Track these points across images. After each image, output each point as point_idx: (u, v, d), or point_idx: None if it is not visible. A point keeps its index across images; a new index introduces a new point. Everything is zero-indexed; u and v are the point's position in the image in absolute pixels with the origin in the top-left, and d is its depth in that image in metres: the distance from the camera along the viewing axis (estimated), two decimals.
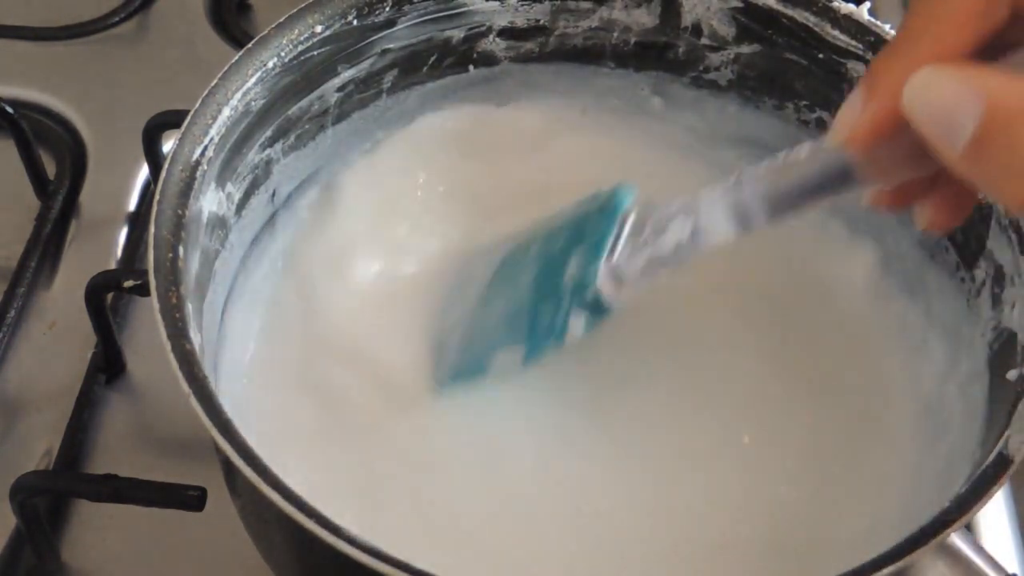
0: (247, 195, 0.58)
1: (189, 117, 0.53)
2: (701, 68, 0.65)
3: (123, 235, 0.76)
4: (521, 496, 0.56)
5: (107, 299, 0.67)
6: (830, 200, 0.45)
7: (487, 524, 0.55)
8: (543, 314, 0.55)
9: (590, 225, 0.55)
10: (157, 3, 0.91)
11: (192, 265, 0.51)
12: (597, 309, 0.53)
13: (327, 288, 0.62)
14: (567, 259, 0.55)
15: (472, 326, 0.59)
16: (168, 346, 0.46)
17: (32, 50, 0.87)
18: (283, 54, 0.57)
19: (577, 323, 0.53)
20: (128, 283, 0.64)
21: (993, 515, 0.67)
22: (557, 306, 0.54)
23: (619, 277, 0.53)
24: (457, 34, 0.63)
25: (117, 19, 0.89)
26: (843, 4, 0.59)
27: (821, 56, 0.61)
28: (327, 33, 0.58)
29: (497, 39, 0.64)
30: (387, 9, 0.60)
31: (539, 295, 0.56)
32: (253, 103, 0.56)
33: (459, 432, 0.58)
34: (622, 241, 0.53)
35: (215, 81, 0.54)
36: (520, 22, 0.64)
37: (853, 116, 0.40)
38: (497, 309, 0.58)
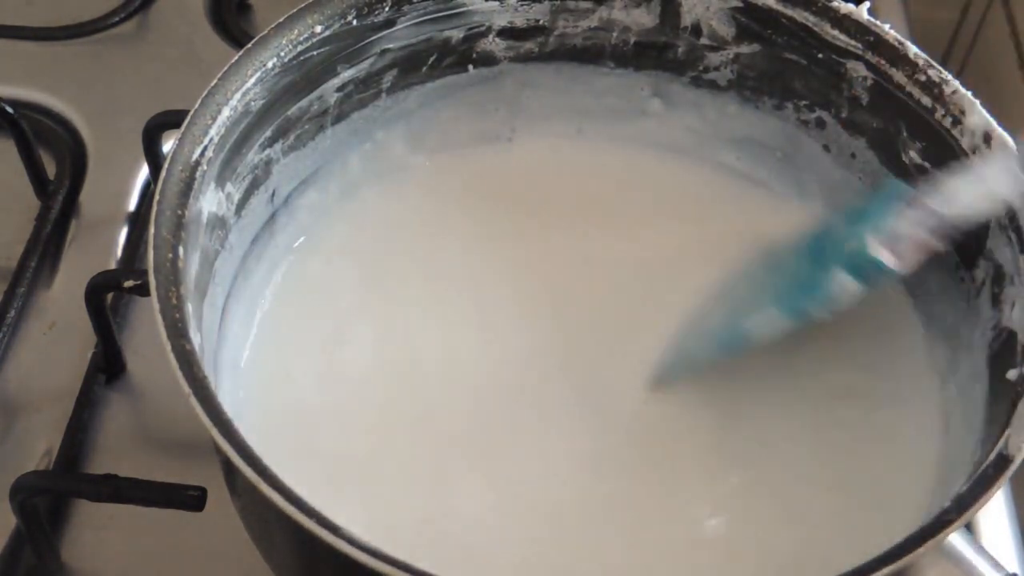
0: (247, 195, 0.58)
1: (189, 117, 0.53)
2: (701, 68, 0.65)
3: (123, 235, 0.76)
4: None
5: (107, 299, 0.67)
6: None
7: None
8: (808, 275, 0.56)
9: (863, 207, 0.57)
10: (157, 3, 0.91)
11: (192, 265, 0.51)
12: (872, 271, 0.54)
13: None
14: (840, 231, 0.56)
15: (734, 303, 0.60)
16: (168, 346, 0.46)
17: (32, 50, 0.87)
18: (283, 54, 0.57)
19: (849, 285, 0.54)
20: (128, 283, 0.64)
21: (993, 515, 0.66)
22: (823, 267, 0.55)
23: (897, 242, 0.53)
24: (456, 34, 0.63)
25: (117, 19, 0.89)
26: (842, 4, 0.59)
27: (821, 56, 0.61)
28: (326, 33, 0.58)
29: (497, 39, 0.64)
30: (386, 9, 0.60)
31: (806, 261, 0.57)
32: (253, 103, 0.56)
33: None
34: (899, 214, 0.54)
35: (214, 81, 0.54)
36: (519, 22, 0.64)
37: None
38: (760, 283, 0.60)
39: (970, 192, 0.52)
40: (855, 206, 0.59)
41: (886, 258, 0.53)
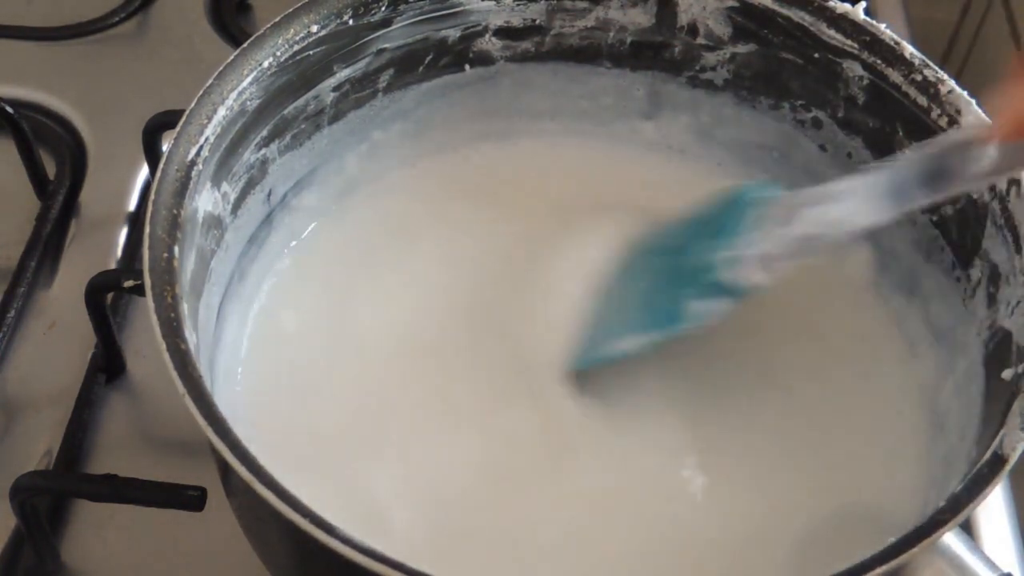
0: (243, 195, 0.58)
1: (184, 117, 0.53)
2: (697, 68, 0.65)
3: (123, 235, 0.76)
4: None
5: (107, 299, 0.67)
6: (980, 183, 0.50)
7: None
8: (667, 301, 0.56)
9: (717, 217, 0.56)
10: (157, 3, 0.91)
11: (188, 265, 0.51)
12: (728, 292, 0.54)
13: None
14: (694, 249, 0.56)
15: (598, 315, 0.60)
16: (163, 345, 0.46)
17: (32, 50, 0.87)
18: (279, 54, 0.57)
19: (707, 307, 0.55)
20: (128, 283, 0.64)
21: (993, 516, 0.66)
22: (680, 292, 0.55)
23: (753, 262, 0.54)
24: (453, 34, 0.63)
25: (117, 19, 0.89)
26: (839, 4, 0.59)
27: (817, 56, 0.61)
28: (323, 33, 0.58)
29: (493, 39, 0.64)
30: (383, 9, 0.60)
31: (664, 283, 0.57)
32: (249, 103, 0.56)
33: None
34: (753, 228, 0.54)
35: (210, 81, 0.54)
36: (516, 22, 0.64)
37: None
38: (622, 298, 0.59)
39: (829, 212, 0.52)
40: (709, 210, 0.58)
41: (743, 277, 0.54)
